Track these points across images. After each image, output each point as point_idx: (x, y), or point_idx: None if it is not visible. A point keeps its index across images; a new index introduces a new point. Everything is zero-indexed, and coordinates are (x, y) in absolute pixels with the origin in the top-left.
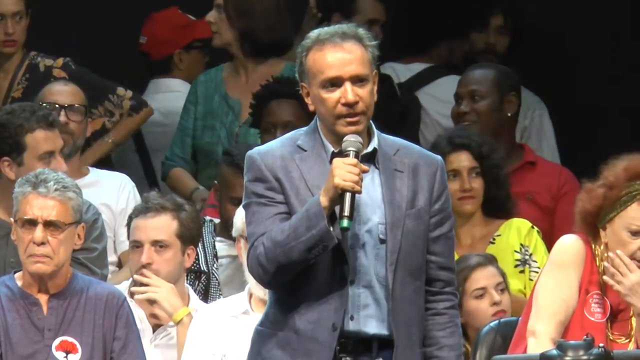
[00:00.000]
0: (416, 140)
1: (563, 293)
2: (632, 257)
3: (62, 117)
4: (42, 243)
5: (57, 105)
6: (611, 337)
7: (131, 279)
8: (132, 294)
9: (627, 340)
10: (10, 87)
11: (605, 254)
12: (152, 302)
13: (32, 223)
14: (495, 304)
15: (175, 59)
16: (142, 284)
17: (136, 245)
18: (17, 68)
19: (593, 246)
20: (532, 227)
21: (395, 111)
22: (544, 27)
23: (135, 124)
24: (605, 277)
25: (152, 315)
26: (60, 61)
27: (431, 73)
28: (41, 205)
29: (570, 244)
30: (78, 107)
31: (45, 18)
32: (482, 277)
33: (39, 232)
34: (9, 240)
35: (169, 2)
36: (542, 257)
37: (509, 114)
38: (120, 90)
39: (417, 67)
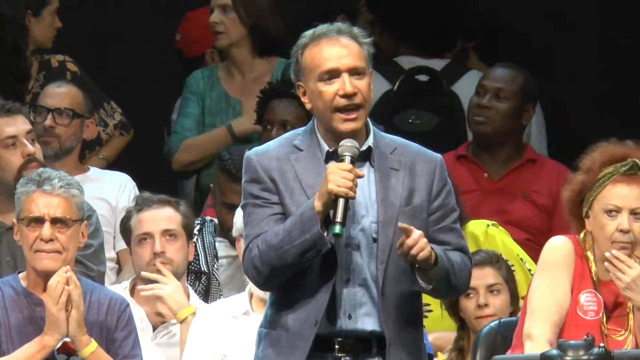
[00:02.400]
0: (465, 136)
1: (556, 294)
2: (611, 240)
3: (49, 121)
4: (51, 240)
5: (44, 107)
6: (606, 333)
7: (131, 278)
8: (132, 292)
9: (626, 334)
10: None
11: (591, 243)
12: (158, 298)
13: (39, 221)
14: (479, 306)
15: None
16: (149, 281)
17: (144, 237)
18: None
19: (583, 245)
20: (488, 226)
21: (445, 107)
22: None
23: (124, 144)
24: (606, 264)
25: (157, 314)
26: (67, 57)
27: (453, 70)
28: (47, 203)
29: (559, 245)
30: (65, 111)
31: (78, 17)
32: (474, 277)
33: (46, 230)
34: (2, 240)
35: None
36: (509, 249)
37: (524, 123)
38: (113, 103)
39: (437, 63)
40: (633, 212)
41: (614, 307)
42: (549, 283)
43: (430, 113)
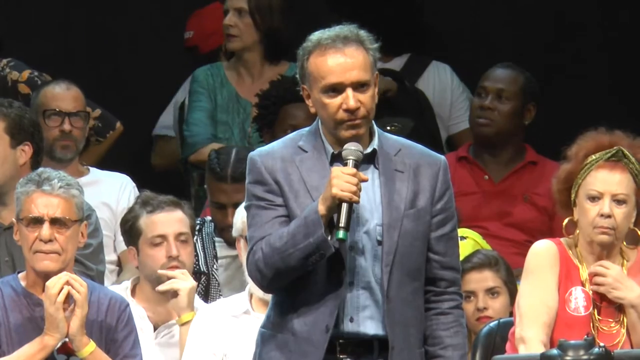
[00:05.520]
0: (437, 133)
1: (542, 295)
2: (593, 225)
3: (67, 126)
4: (50, 240)
5: (60, 111)
6: (599, 326)
7: (132, 278)
8: (133, 292)
9: (618, 326)
10: None
11: (577, 231)
12: (174, 293)
13: (39, 221)
14: (478, 309)
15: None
16: (161, 281)
17: (159, 240)
18: None
19: (567, 247)
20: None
21: (414, 107)
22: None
23: (102, 149)
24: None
25: (160, 312)
26: (25, 74)
27: (414, 65)
28: (46, 203)
29: (542, 247)
30: (80, 114)
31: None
32: (473, 281)
33: (45, 230)
34: (0, 239)
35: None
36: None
37: (526, 122)
38: (87, 108)
39: (397, 63)
40: (615, 199)
41: (604, 299)
42: (535, 286)
43: (404, 117)
